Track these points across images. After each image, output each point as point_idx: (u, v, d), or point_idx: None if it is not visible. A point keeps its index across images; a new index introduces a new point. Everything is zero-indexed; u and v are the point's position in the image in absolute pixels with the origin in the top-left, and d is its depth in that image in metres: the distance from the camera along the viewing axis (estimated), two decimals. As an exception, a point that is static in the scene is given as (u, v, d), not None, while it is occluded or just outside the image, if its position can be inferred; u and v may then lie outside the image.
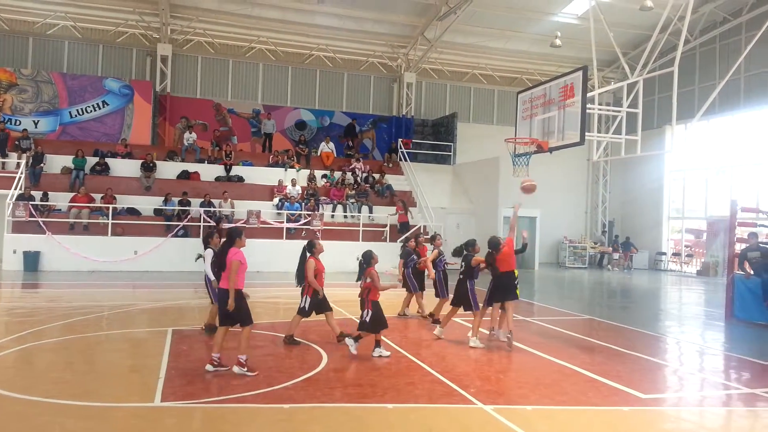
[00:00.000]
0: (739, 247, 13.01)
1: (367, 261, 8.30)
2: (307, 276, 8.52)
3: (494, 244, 9.06)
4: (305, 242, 8.85)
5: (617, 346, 9.41)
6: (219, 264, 7.19)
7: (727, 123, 23.70)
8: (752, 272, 11.99)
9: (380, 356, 8.03)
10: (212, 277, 8.67)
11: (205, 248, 8.96)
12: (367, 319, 8.06)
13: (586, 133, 11.59)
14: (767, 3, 21.11)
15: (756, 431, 6.15)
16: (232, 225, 18.89)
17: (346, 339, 8.31)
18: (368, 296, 8.15)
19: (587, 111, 11.48)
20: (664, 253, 26.12)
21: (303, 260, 8.64)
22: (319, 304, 8.70)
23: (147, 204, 19.38)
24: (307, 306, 8.66)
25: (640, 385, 7.17)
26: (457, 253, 9.50)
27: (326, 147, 24.42)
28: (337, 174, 22.98)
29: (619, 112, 13.57)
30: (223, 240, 7.51)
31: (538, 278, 20.88)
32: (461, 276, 9.23)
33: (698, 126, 23.87)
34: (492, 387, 6.95)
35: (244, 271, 7.18)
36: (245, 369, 6.97)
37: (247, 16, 23.46)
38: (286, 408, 5.91)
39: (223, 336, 7.30)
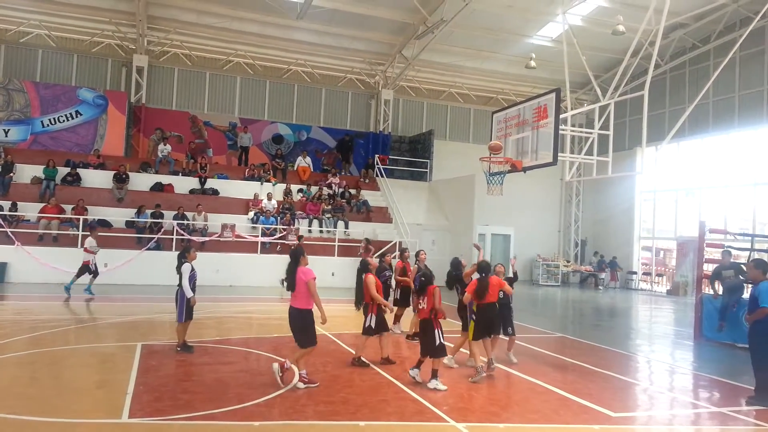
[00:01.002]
0: (707, 268, 13.33)
1: (429, 279, 7.97)
2: (371, 293, 8.46)
3: (486, 267, 8.60)
4: (360, 261, 9.12)
5: (589, 365, 9.51)
6: (290, 283, 7.26)
7: (697, 146, 24.33)
8: (720, 292, 12.24)
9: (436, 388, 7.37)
10: (189, 294, 8.69)
11: (181, 264, 8.81)
12: (437, 342, 7.48)
13: (559, 154, 11.79)
14: (734, 31, 21.86)
15: (722, 449, 6.26)
16: (205, 238, 18.74)
17: (410, 371, 7.73)
18: (435, 317, 7.61)
19: (560, 132, 11.69)
20: (635, 273, 26.56)
21: (361, 279, 8.60)
22: (382, 322, 8.60)
23: (119, 216, 19.08)
24: (373, 324, 8.54)
25: (610, 403, 7.26)
26: (450, 283, 9.59)
27: (303, 161, 24.40)
28: (314, 189, 22.95)
29: (591, 133, 13.84)
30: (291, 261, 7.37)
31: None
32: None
33: (668, 148, 24.46)
34: (464, 405, 6.96)
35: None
36: (308, 383, 7.23)
37: (225, 30, 23.44)
38: (257, 425, 5.83)
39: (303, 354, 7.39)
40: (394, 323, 11.20)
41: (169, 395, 6.68)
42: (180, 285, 8.78)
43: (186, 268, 8.74)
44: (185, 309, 8.79)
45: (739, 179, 22.60)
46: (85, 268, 14.75)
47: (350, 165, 25.71)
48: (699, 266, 13.31)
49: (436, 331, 7.52)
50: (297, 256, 7.32)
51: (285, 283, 7.59)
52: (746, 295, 10.85)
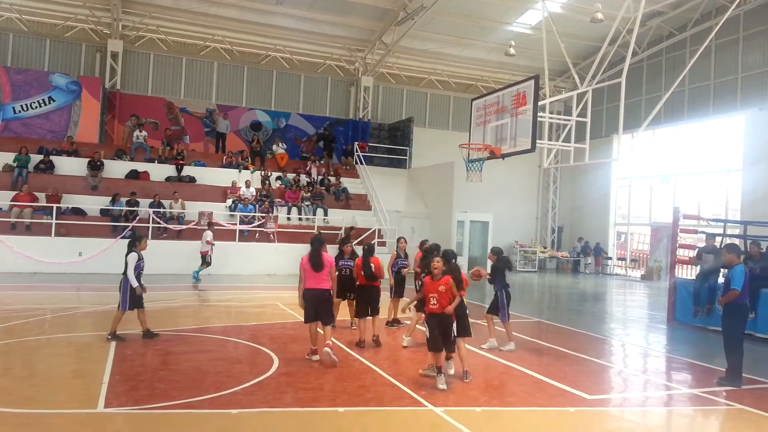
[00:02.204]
0: (681, 253, 13.59)
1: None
2: (382, 272, 9.42)
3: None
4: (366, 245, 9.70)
5: (564, 348, 9.65)
6: (317, 265, 7.84)
7: (672, 133, 24.65)
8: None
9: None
10: (134, 284, 8.66)
11: (129, 252, 8.76)
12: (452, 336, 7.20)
13: (538, 141, 11.87)
14: (710, 19, 22.10)
15: (695, 430, 6.40)
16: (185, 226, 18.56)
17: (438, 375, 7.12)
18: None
19: (538, 119, 11.75)
20: (610, 258, 26.94)
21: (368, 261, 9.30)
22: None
23: (93, 204, 18.78)
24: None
25: (585, 386, 7.37)
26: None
27: (279, 148, 24.22)
28: (291, 176, 22.83)
29: (569, 120, 13.94)
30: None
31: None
32: None
33: (644, 136, 24.71)
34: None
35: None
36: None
37: (202, 14, 23.07)
38: (234, 413, 5.82)
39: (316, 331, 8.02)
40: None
41: (145, 384, 6.63)
42: (125, 273, 8.69)
43: (132, 257, 8.68)
44: (129, 298, 8.69)
45: (713, 166, 22.99)
46: (204, 258, 16.62)
47: (331, 159, 25.25)
48: (673, 251, 13.54)
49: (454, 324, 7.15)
50: (322, 242, 8.06)
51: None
52: (722, 279, 11.06)
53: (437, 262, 7.27)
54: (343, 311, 10.10)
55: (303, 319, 8.15)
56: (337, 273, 8.70)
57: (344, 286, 9.53)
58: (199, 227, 18.46)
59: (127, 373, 7.05)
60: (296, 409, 6.09)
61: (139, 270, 8.78)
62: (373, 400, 6.47)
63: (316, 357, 7.89)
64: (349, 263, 9.82)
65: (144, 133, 22.34)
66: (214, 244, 16.96)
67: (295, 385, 6.87)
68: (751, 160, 20.79)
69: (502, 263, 9.35)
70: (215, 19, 23.37)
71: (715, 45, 22.02)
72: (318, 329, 8.06)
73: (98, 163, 20.04)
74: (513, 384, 7.39)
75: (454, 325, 7.13)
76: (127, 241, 9.28)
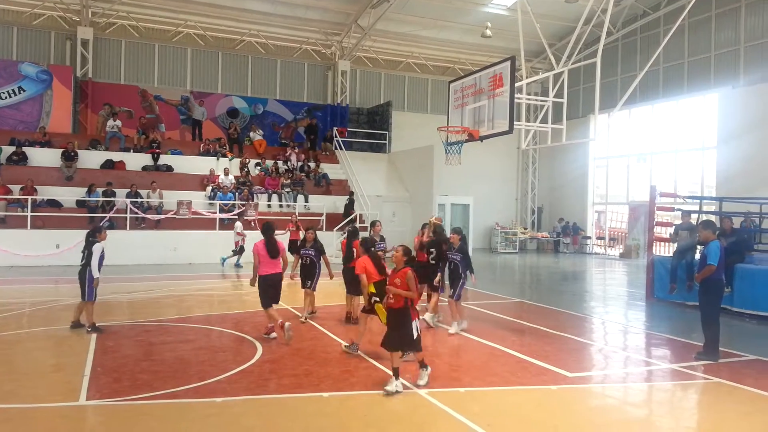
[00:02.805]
0: (658, 230, 13.80)
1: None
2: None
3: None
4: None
5: (545, 327, 9.77)
6: (272, 252, 8.32)
7: (647, 112, 24.90)
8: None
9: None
10: (96, 274, 8.61)
11: (92, 243, 8.65)
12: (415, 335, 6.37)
13: (515, 122, 11.88)
14: (683, -2, 22.22)
15: (676, 403, 6.54)
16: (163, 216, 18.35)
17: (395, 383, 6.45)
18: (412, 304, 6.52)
19: (515, 100, 11.76)
20: (589, 237, 27.28)
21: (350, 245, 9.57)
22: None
23: (69, 195, 18.47)
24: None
25: (566, 364, 7.49)
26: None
27: (256, 135, 23.98)
28: (269, 162, 22.65)
29: (546, 101, 13.98)
30: None
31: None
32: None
33: (620, 115, 24.97)
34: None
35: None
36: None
37: (173, 0, 22.63)
38: (219, 402, 5.80)
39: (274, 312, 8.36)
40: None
41: (127, 376, 6.58)
42: (89, 264, 8.58)
43: (97, 247, 8.62)
44: (90, 288, 8.64)
45: (688, 144, 23.30)
46: (240, 248, 17.09)
47: (316, 151, 24.84)
48: (650, 229, 13.74)
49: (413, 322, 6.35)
50: (274, 228, 8.76)
51: None
52: (698, 256, 11.25)
53: (398, 252, 6.61)
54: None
55: (262, 305, 8.39)
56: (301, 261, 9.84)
57: (306, 274, 9.84)
58: (178, 216, 18.27)
59: (108, 365, 6.99)
60: (281, 395, 6.10)
61: (101, 260, 8.72)
62: (358, 384, 6.50)
63: (274, 335, 8.40)
64: (309, 252, 9.87)
65: (118, 122, 21.93)
66: (245, 235, 17.14)
67: (279, 372, 6.88)
68: (725, 137, 21.11)
69: (464, 243, 9.53)
70: (187, 4, 22.94)
71: (688, 24, 22.21)
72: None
73: (72, 154, 19.68)
74: (495, 364, 7.47)
75: (416, 322, 6.34)
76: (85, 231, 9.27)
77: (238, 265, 17.19)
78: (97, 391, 6.01)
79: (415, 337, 6.30)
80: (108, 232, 16.76)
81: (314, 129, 24.98)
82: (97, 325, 8.64)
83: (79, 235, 16.77)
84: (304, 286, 9.90)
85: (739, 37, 21.07)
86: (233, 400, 5.88)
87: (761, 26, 20.41)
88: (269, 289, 8.33)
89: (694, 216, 12.92)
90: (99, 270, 8.65)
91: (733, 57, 21.26)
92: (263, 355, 7.58)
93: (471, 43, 26.46)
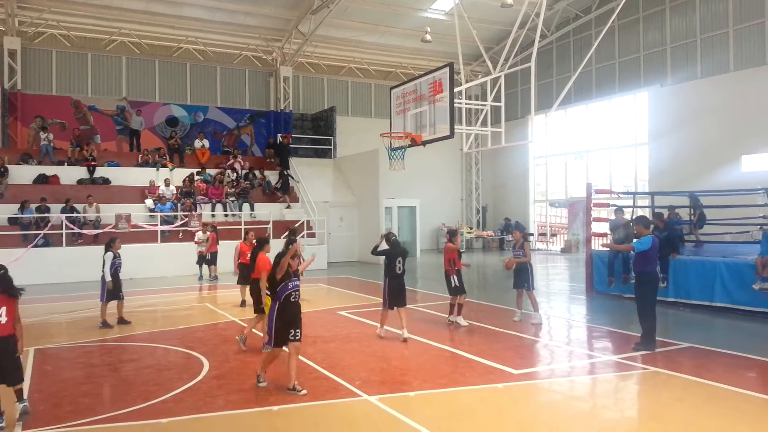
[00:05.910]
0: (595, 226, 14.31)
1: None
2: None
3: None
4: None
5: (492, 326, 10.00)
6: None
7: (582, 112, 25.78)
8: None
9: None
10: (108, 278, 10.13)
11: (106, 252, 10.15)
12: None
13: (456, 126, 12.10)
14: (612, 1, 23.11)
15: (618, 394, 6.80)
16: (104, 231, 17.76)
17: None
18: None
19: (455, 105, 11.98)
20: (532, 234, 27.96)
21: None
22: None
23: (0, 213, 17.62)
24: (458, 283, 10.20)
25: (512, 361, 7.68)
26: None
27: (200, 143, 23.51)
28: (213, 171, 22.24)
29: (485, 105, 14.29)
30: None
31: (420, 265, 21.56)
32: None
33: (557, 115, 25.75)
34: (376, 377, 7.11)
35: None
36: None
37: (105, 7, 21.88)
38: (164, 422, 5.67)
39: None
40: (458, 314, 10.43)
41: (68, 400, 6.34)
42: (102, 270, 10.18)
43: (108, 256, 10.14)
44: (106, 291, 10.19)
45: (621, 141, 24.26)
46: (209, 257, 17.05)
47: (285, 169, 23.72)
48: (588, 225, 14.23)
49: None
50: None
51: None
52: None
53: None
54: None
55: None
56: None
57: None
58: (117, 230, 17.70)
59: (47, 390, 6.73)
60: (229, 412, 6.00)
61: (115, 267, 10.21)
62: (308, 395, 6.46)
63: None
64: None
65: (50, 134, 21.04)
66: (205, 242, 17.00)
67: (227, 388, 6.77)
68: (655, 134, 22.09)
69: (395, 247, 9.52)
70: (120, 11, 22.25)
71: (618, 26, 23.15)
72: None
73: (2, 170, 18.78)
74: (444, 366, 7.59)
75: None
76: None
77: (214, 278, 16.83)
78: (35, 419, 5.77)
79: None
80: (43, 249, 16.62)
81: (285, 148, 24.17)
82: (107, 321, 10.18)
83: (13, 254, 16.18)
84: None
85: (666, 38, 22.09)
86: (180, 420, 5.75)
87: (685, 27, 21.47)
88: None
89: (628, 211, 13.46)
90: (117, 275, 10.22)
91: (661, 57, 22.27)
92: (210, 370, 7.45)
93: (412, 47, 26.73)
